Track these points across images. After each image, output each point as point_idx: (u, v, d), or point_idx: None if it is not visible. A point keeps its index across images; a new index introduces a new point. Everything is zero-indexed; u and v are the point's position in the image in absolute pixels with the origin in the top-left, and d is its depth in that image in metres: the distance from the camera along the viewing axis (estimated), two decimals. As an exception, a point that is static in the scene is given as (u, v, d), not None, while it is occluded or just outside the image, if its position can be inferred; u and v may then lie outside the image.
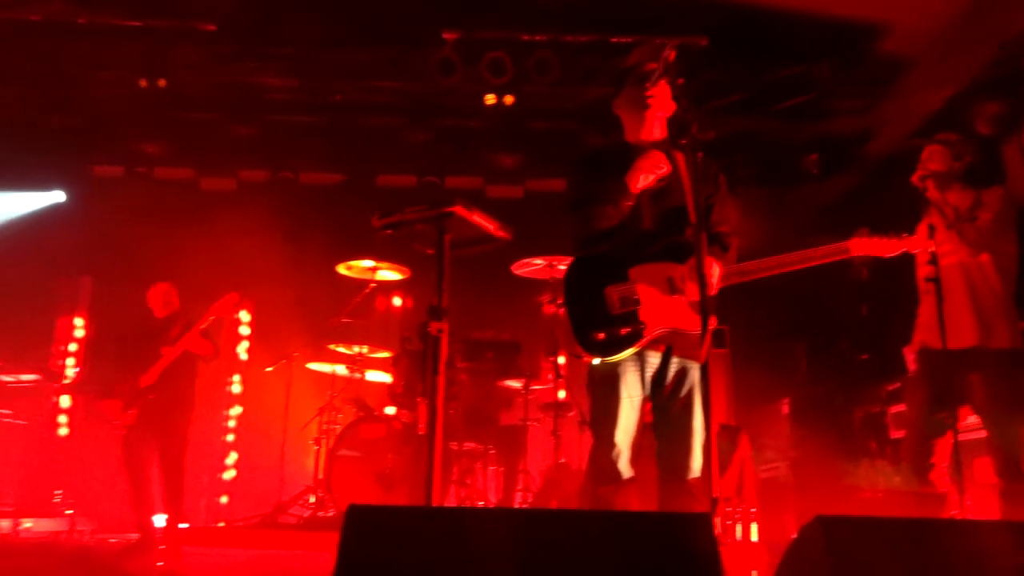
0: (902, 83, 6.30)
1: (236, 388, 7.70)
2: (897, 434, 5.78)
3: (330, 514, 5.32)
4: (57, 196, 8.23)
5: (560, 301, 4.34)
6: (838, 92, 6.52)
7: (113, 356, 5.78)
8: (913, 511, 3.57)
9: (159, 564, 4.55)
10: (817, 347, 7.41)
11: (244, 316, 7.89)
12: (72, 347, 7.81)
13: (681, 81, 2.64)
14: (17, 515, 5.75)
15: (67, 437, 7.31)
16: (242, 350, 7.85)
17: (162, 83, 6.69)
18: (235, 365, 7.76)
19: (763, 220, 6.19)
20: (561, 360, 5.55)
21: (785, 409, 6.64)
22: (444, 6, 6.13)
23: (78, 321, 7.87)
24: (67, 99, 7.14)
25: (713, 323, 2.39)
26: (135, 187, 7.86)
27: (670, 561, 1.51)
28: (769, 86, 6.56)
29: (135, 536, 5.29)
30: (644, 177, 2.83)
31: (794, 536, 1.73)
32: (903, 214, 4.00)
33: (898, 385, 5.71)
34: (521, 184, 8.03)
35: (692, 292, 2.76)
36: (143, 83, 6.55)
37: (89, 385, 7.18)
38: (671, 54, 2.66)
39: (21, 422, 6.63)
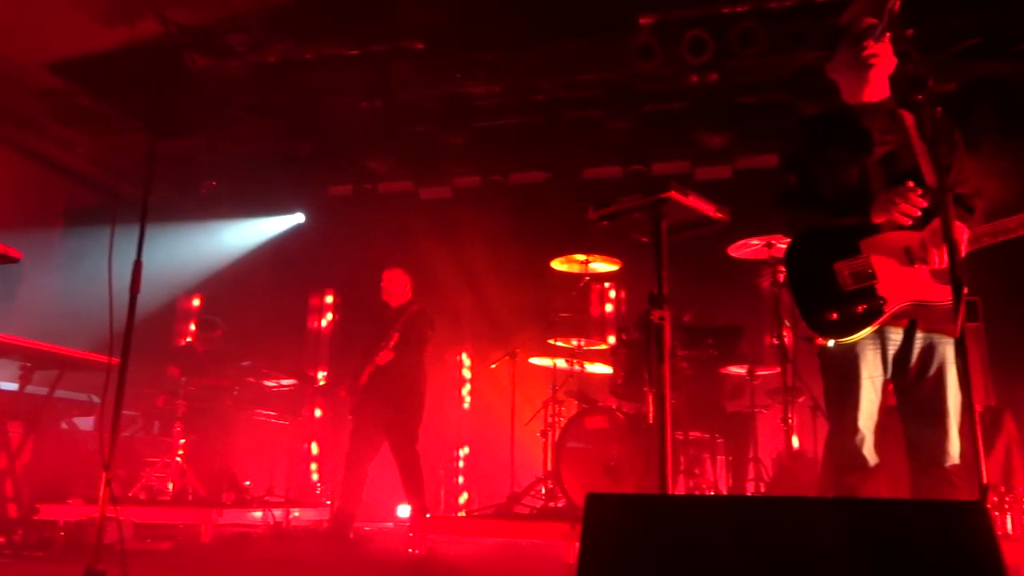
0: None
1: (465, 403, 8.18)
2: None
3: (560, 505, 5.44)
4: (297, 218, 9.15)
5: (782, 281, 4.12)
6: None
7: (357, 344, 6.26)
8: None
9: (410, 550, 4.89)
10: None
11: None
12: (321, 352, 8.70)
13: (910, 32, 2.41)
14: (287, 505, 6.44)
15: (322, 435, 8.10)
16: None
17: (378, 103, 7.24)
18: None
19: (1012, 176, 5.50)
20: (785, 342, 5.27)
21: (1056, 386, 5.85)
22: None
23: (324, 329, 8.76)
24: (303, 127, 7.92)
25: (965, 290, 2.16)
26: (363, 203, 8.55)
27: (941, 554, 1.39)
28: (1010, 24, 5.83)
29: (388, 524, 5.71)
30: (895, 215, 2.55)
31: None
32: None
33: None
34: (730, 164, 7.76)
35: (935, 260, 2.52)
36: (364, 105, 7.11)
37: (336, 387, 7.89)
38: (895, 5, 2.44)
39: (283, 422, 7.41)
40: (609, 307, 8.05)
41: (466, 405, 8.15)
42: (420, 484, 5.71)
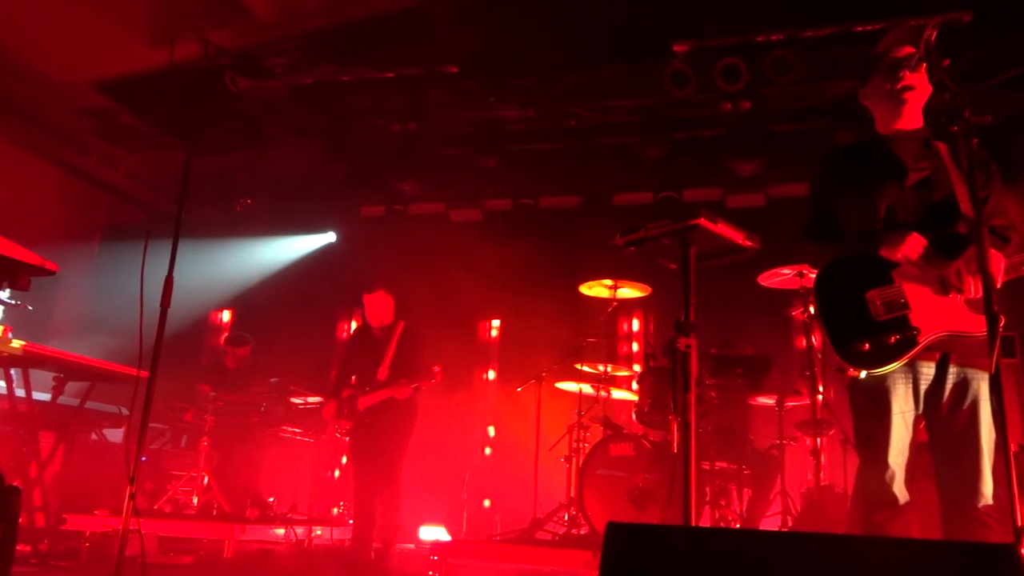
0: None
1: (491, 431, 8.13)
2: None
3: (583, 532, 5.37)
4: (329, 237, 9.24)
5: (812, 311, 4.06)
6: None
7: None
8: None
9: (430, 574, 4.85)
10: None
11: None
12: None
13: (947, 63, 2.38)
14: (310, 523, 6.43)
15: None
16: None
17: (412, 126, 7.32)
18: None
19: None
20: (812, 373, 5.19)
21: (1097, 426, 5.68)
22: (673, 17, 6.08)
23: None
24: (337, 149, 8.03)
25: (1001, 323, 2.09)
26: (394, 224, 8.62)
27: (969, 596, 1.34)
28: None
29: (410, 546, 5.66)
30: (898, 255, 2.55)
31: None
32: None
33: None
34: (762, 191, 7.71)
35: (970, 289, 2.46)
36: (397, 127, 7.19)
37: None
38: (931, 35, 2.41)
39: (309, 440, 7.43)
40: (637, 337, 8.00)
41: (491, 429, 8.11)
42: (396, 510, 5.37)
